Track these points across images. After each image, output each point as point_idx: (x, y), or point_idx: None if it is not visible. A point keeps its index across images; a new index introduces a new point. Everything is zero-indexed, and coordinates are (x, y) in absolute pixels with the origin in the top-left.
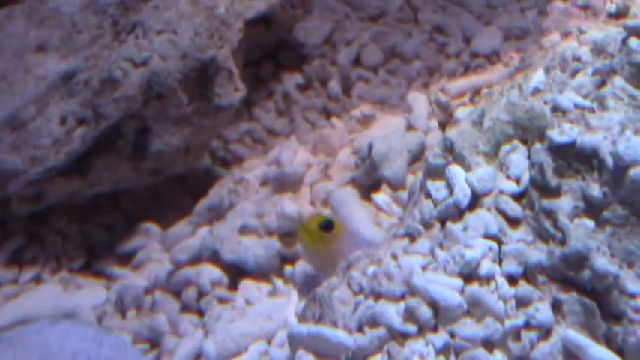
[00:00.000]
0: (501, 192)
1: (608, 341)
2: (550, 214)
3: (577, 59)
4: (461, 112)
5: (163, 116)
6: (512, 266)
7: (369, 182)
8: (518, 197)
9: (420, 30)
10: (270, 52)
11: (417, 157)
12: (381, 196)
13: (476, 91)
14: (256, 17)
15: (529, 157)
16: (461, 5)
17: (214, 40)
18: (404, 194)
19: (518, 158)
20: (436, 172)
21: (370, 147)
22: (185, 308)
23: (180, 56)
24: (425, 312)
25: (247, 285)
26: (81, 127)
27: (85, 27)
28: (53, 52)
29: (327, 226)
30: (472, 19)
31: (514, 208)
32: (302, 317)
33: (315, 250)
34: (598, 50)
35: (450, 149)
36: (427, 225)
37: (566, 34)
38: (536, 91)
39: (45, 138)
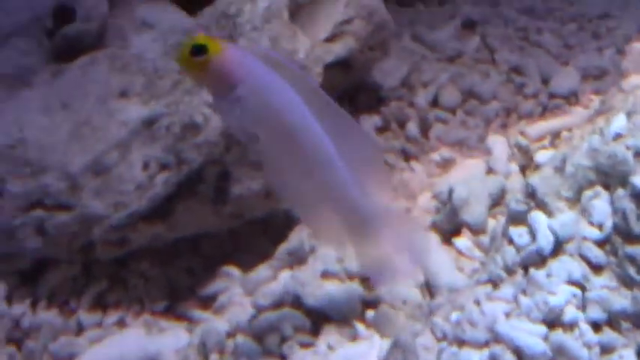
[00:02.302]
0: (584, 238)
1: None
2: (634, 260)
3: None
4: (541, 156)
5: (243, 161)
6: (596, 313)
7: (449, 226)
8: (601, 243)
9: (497, 70)
10: (348, 93)
11: (497, 201)
12: (462, 241)
13: (556, 135)
14: (335, 61)
15: (612, 203)
16: (538, 45)
17: None
18: (485, 238)
19: (600, 204)
20: (518, 218)
21: (450, 191)
22: (267, 353)
23: None
24: None
25: (329, 330)
26: (163, 172)
27: (166, 72)
28: (135, 98)
29: (198, 50)
30: (549, 59)
31: (597, 255)
32: None
33: (196, 79)
34: None
35: (532, 195)
36: (510, 271)
37: None
38: (617, 136)
39: (128, 183)
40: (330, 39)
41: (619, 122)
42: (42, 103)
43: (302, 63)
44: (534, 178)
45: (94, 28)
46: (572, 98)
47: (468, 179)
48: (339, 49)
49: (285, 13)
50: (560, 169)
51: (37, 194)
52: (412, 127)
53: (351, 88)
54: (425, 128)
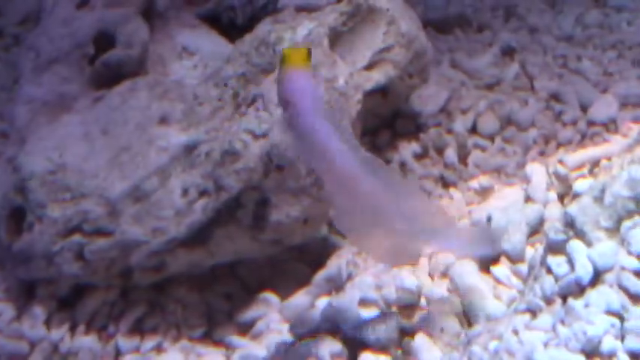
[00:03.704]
0: (623, 268)
1: None
2: None
3: None
4: (580, 185)
5: (282, 188)
6: (634, 343)
7: None
8: None
9: (536, 98)
10: (387, 120)
11: (535, 229)
12: (501, 269)
13: (595, 163)
14: (374, 89)
15: None
16: (577, 72)
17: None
18: (523, 267)
19: None
20: (557, 247)
21: (489, 219)
22: None
23: None
24: None
25: (367, 358)
26: (202, 199)
27: (206, 99)
28: (175, 124)
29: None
30: (588, 86)
31: (636, 284)
32: None
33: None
34: None
35: (570, 224)
36: (548, 300)
37: None
38: None
39: (167, 209)
40: (370, 67)
41: None
42: (82, 129)
43: (341, 90)
44: (573, 208)
45: (135, 54)
46: (610, 126)
47: (507, 207)
48: (378, 77)
49: (324, 41)
50: (599, 199)
51: (77, 220)
52: (450, 154)
53: (390, 114)
54: (463, 155)
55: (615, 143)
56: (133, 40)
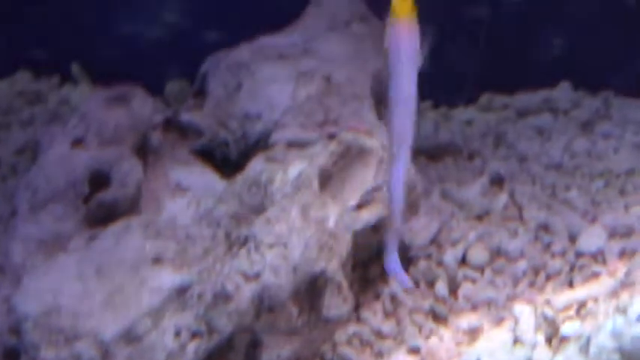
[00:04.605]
0: None
1: None
2: None
3: None
4: (567, 328)
5: (274, 329)
6: None
7: None
8: None
9: (525, 228)
10: (378, 253)
11: None
12: None
13: (582, 304)
14: (364, 228)
15: None
16: (566, 202)
17: (324, 254)
18: None
19: None
20: None
21: None
22: None
23: (291, 270)
24: None
25: None
26: (194, 341)
27: (198, 239)
28: (168, 264)
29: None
30: (577, 216)
31: None
32: None
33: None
34: None
35: None
36: None
37: None
38: None
39: (159, 352)
40: (360, 206)
41: None
42: (76, 269)
43: (331, 231)
44: (559, 358)
45: (129, 193)
46: (599, 257)
47: (495, 350)
48: (368, 217)
49: (315, 181)
50: (584, 350)
51: None
52: (441, 287)
53: (381, 248)
54: (453, 287)
55: (602, 284)
56: (128, 179)
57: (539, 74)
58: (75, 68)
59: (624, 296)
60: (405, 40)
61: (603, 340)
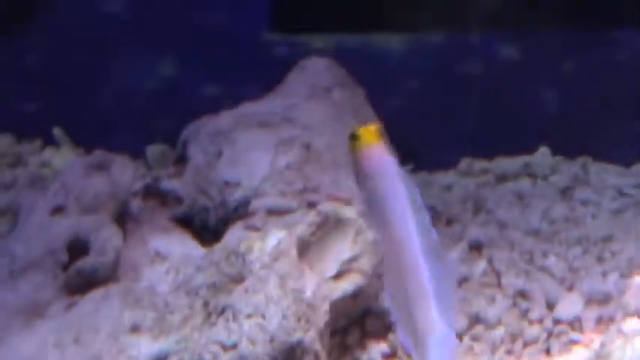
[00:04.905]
0: None
1: None
2: None
3: None
4: None
5: None
6: None
7: None
8: None
9: (503, 295)
10: (356, 321)
11: None
12: None
13: None
14: (343, 298)
15: None
16: (543, 269)
17: (301, 324)
18: None
19: None
20: None
21: None
22: None
23: (268, 340)
24: None
25: None
26: None
27: (177, 307)
28: (146, 333)
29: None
30: (554, 283)
31: None
32: None
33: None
34: None
35: None
36: None
37: None
38: None
39: None
40: (338, 276)
41: None
42: (55, 337)
43: (309, 301)
44: None
45: (108, 262)
46: (576, 324)
47: None
48: (346, 286)
49: (293, 251)
50: None
51: None
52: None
53: (360, 313)
54: None
55: (577, 354)
56: (107, 247)
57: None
58: (57, 131)
59: None
60: (388, 173)
61: None
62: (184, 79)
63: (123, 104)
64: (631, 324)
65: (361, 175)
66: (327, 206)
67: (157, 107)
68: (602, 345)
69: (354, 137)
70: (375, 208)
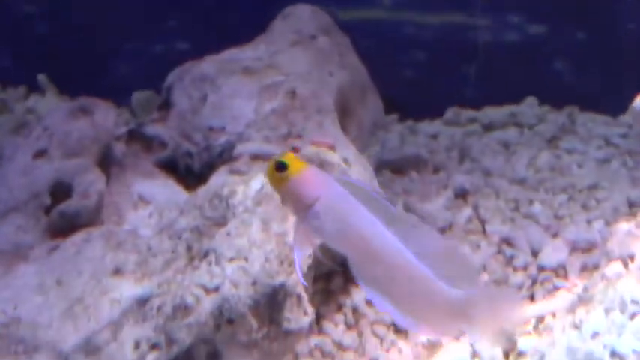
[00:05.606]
0: None
1: None
2: None
3: (635, 302)
4: (523, 343)
5: (233, 340)
6: None
7: None
8: None
9: (487, 242)
10: (343, 266)
11: None
12: None
13: (539, 319)
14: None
15: None
16: (528, 216)
17: (284, 267)
18: None
19: None
20: None
21: None
22: None
23: (250, 282)
24: None
25: None
26: (153, 352)
27: (159, 251)
28: (129, 275)
29: (280, 167)
30: (539, 231)
31: None
32: None
33: (279, 195)
34: None
35: None
36: None
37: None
38: (595, 334)
39: None
40: None
41: (597, 319)
42: (37, 279)
43: (292, 246)
44: None
45: (91, 205)
46: (560, 271)
47: None
48: None
49: (276, 196)
50: None
51: None
52: None
53: (343, 260)
54: None
55: (560, 299)
56: (90, 190)
57: None
58: (42, 78)
59: (580, 312)
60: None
61: (558, 356)
62: None
63: None
64: (613, 267)
65: (302, 204)
66: (310, 151)
67: None
68: (585, 289)
69: (279, 168)
70: (339, 236)
